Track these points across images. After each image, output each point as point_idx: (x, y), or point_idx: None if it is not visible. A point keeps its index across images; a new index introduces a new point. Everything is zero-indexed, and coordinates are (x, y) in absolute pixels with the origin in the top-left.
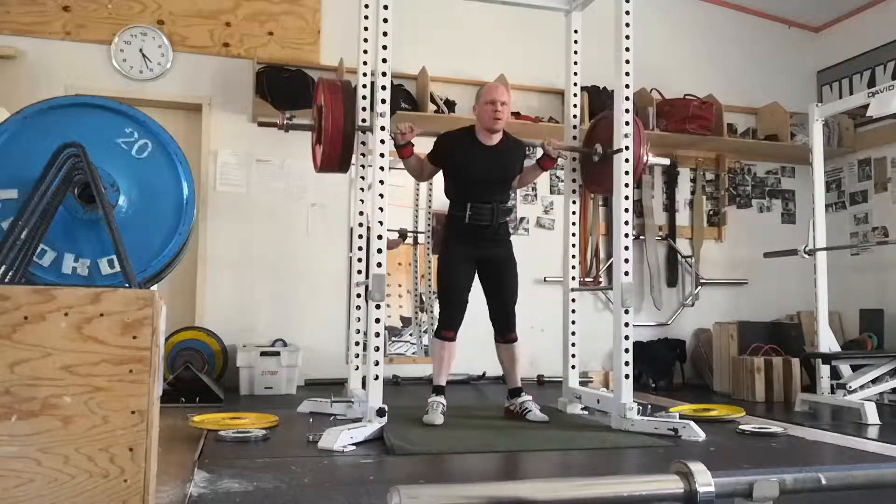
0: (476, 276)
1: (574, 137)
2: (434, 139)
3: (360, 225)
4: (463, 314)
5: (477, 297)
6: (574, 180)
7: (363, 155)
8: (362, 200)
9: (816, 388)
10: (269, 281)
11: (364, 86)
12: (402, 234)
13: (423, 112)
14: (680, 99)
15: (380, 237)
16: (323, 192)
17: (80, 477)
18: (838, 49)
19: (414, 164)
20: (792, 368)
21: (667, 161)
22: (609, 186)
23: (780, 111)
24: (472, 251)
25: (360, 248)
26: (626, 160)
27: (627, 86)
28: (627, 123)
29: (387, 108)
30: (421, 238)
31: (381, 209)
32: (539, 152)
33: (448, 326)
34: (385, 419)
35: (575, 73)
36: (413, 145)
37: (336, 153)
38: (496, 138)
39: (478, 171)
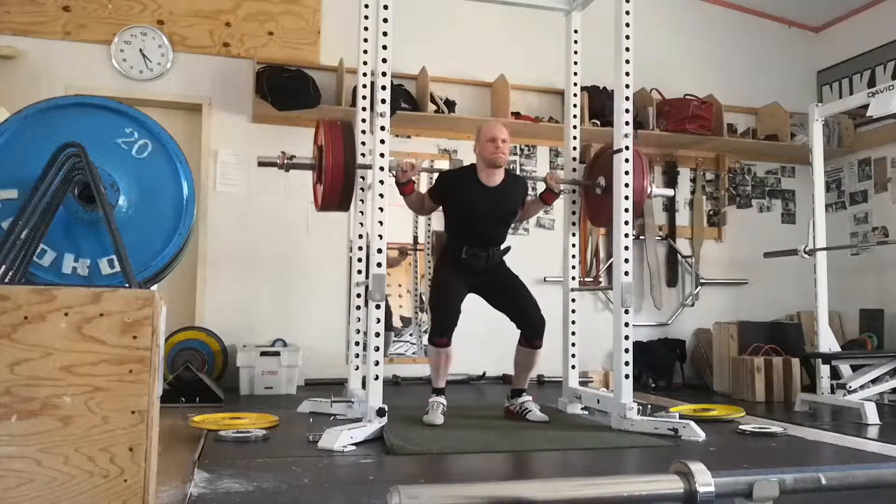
0: (485, 301)
1: (574, 170)
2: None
3: (361, 225)
4: (456, 321)
5: (476, 297)
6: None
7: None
8: (362, 200)
9: (816, 388)
10: (269, 281)
11: (364, 86)
12: (403, 252)
13: (423, 112)
14: (680, 99)
15: (380, 237)
16: None
17: (79, 477)
18: (838, 49)
19: (415, 200)
20: (792, 368)
21: (671, 192)
22: (611, 219)
23: (780, 111)
24: (467, 279)
25: (360, 248)
26: (626, 160)
27: (627, 86)
28: (627, 123)
29: (387, 108)
30: (421, 238)
31: (381, 209)
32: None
33: (441, 333)
34: (385, 419)
35: (575, 73)
36: (414, 182)
37: (337, 193)
38: (498, 176)
39: (478, 211)
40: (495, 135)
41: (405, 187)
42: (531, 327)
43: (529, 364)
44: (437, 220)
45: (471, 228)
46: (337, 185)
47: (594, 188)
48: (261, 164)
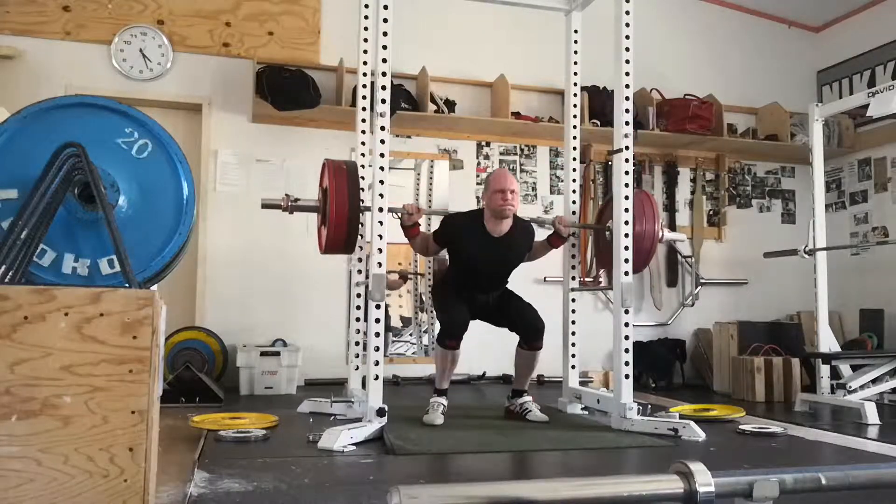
0: (486, 322)
1: (574, 212)
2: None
3: (361, 224)
4: (465, 322)
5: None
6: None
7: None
8: (362, 200)
9: (816, 388)
10: (269, 281)
11: (364, 86)
12: (403, 276)
13: (423, 112)
14: (680, 99)
15: (380, 237)
16: None
17: (79, 477)
18: (838, 49)
19: (420, 242)
20: (792, 368)
21: (683, 237)
22: None
23: (780, 111)
24: (468, 305)
25: (360, 248)
26: (626, 160)
27: (627, 86)
28: (627, 123)
29: (387, 108)
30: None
31: (381, 209)
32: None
33: (450, 334)
34: (385, 419)
35: (575, 73)
36: (419, 225)
37: (342, 236)
38: (505, 226)
39: (483, 261)
40: (504, 186)
41: (411, 230)
42: (531, 330)
43: (530, 365)
44: (438, 205)
45: (473, 275)
46: (341, 233)
47: (604, 232)
48: (264, 206)
